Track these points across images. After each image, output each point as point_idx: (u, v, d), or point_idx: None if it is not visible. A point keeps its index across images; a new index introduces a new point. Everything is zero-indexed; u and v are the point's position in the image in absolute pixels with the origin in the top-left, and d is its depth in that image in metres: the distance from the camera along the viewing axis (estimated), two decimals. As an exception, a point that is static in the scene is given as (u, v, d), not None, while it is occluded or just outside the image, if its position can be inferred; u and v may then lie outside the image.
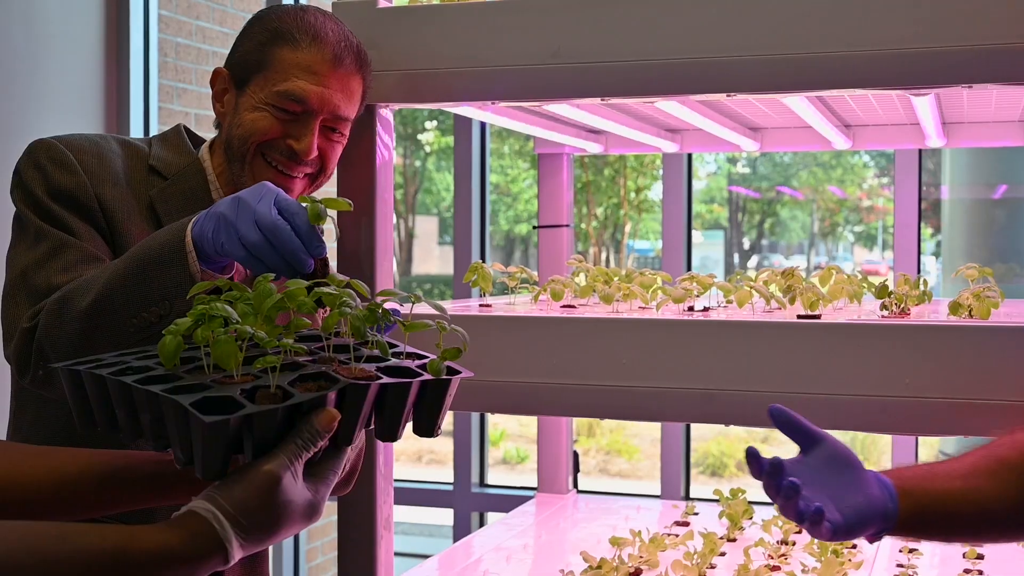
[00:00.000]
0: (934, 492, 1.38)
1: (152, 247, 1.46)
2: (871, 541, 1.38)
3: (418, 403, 1.19)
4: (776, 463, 1.32)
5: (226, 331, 1.12)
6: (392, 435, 1.18)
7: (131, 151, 1.75)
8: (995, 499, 1.39)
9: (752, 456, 1.34)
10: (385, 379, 1.14)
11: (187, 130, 1.84)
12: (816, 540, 2.25)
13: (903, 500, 1.36)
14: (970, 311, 1.78)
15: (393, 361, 1.21)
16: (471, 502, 3.79)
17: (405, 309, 1.31)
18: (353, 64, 1.75)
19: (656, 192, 13.93)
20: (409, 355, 1.26)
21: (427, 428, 1.21)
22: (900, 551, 2.41)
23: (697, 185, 16.13)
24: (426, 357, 1.26)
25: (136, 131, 3.92)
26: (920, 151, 3.01)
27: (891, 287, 1.88)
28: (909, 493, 1.36)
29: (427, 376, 1.18)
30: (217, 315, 1.13)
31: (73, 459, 1.28)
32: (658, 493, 3.39)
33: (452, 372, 1.22)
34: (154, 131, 4.00)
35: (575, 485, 3.08)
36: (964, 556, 2.35)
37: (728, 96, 1.78)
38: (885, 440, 8.91)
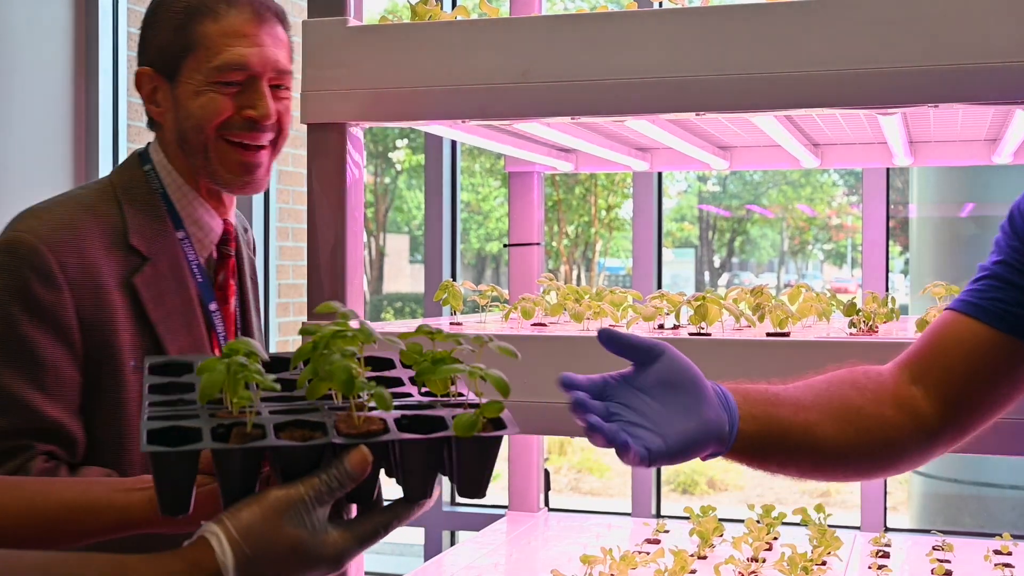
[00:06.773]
0: (778, 420, 1.32)
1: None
2: (704, 459, 1.31)
3: (457, 460, 1.08)
4: (578, 401, 1.23)
5: (227, 364, 1.05)
6: (423, 493, 1.08)
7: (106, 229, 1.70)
8: (831, 438, 1.34)
9: (564, 384, 1.26)
10: (394, 434, 1.05)
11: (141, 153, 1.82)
12: (786, 558, 2.26)
13: (746, 424, 1.29)
14: (937, 328, 1.79)
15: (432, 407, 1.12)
16: (442, 520, 3.77)
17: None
18: (273, 15, 1.76)
19: (627, 210, 13.97)
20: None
21: (471, 488, 1.09)
22: (870, 568, 2.42)
23: (667, 203, 16.19)
24: (472, 402, 1.17)
25: (105, 150, 3.90)
26: (888, 169, 3.04)
27: (859, 305, 1.89)
28: (755, 418, 1.30)
29: (440, 434, 1.07)
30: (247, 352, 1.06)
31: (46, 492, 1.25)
32: (629, 511, 3.39)
33: (499, 426, 1.10)
34: (123, 149, 3.98)
35: (546, 503, 3.07)
36: (932, 572, 2.35)
37: (697, 115, 1.79)
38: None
